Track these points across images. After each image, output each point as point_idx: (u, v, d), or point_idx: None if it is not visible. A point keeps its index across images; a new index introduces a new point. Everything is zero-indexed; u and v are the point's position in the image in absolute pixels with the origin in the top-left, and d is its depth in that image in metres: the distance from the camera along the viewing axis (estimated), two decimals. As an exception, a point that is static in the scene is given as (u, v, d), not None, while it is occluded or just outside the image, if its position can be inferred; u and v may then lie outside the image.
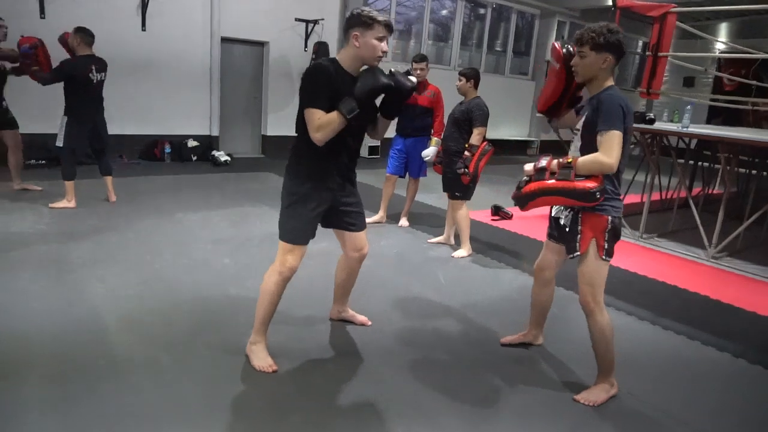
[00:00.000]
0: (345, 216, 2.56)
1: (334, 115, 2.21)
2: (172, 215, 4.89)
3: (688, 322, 3.43)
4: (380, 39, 2.25)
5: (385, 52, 2.28)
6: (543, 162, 2.32)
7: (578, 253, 2.37)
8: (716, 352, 3.07)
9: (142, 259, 3.71)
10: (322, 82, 2.23)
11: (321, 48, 8.54)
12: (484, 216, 5.72)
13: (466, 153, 4.14)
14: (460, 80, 4.31)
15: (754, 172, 6.60)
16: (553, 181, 2.26)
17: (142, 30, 7.27)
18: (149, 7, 7.18)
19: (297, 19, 8.60)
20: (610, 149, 2.17)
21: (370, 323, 3.00)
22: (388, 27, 2.28)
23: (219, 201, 5.60)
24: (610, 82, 2.32)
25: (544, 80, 12.02)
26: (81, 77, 4.65)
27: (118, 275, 3.41)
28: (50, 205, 4.77)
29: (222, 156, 7.87)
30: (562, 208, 2.47)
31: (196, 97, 8.00)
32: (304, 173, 2.39)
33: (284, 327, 2.84)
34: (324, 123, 2.21)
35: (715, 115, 12.61)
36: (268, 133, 8.84)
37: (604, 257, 2.33)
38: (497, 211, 5.87)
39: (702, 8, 6.34)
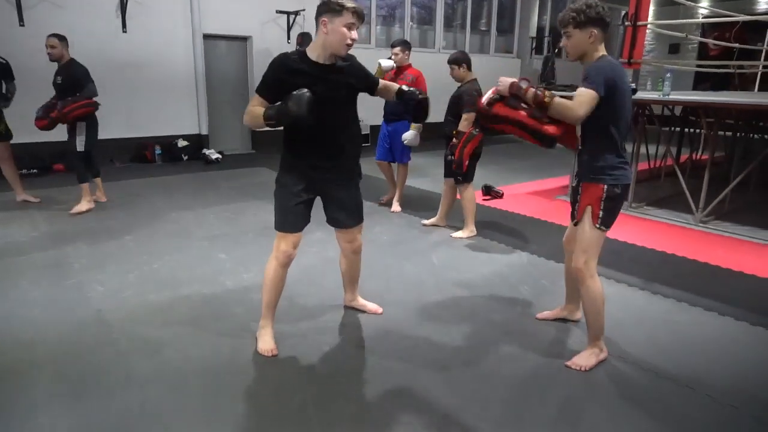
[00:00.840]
0: (332, 211, 2.64)
1: (259, 110, 2.29)
2: (166, 215, 4.94)
3: (677, 286, 3.52)
4: (350, 26, 2.22)
5: (354, 40, 2.25)
6: (522, 86, 2.34)
7: (576, 220, 2.50)
8: (704, 312, 3.16)
9: (139, 260, 3.78)
10: (273, 72, 2.30)
11: (305, 39, 8.50)
12: (475, 195, 5.78)
13: (453, 140, 4.19)
14: (452, 69, 4.32)
15: (739, 134, 6.68)
16: (524, 113, 2.35)
17: (123, 32, 7.25)
18: (128, 8, 7.15)
19: (278, 11, 8.57)
20: (581, 104, 2.24)
21: (380, 311, 3.03)
22: (358, 14, 2.24)
23: (212, 198, 5.65)
24: (601, 53, 2.37)
25: (529, 58, 12.04)
26: (93, 81, 4.77)
27: (117, 276, 3.48)
28: (71, 211, 4.85)
29: (213, 154, 7.90)
30: (577, 180, 2.54)
31: (182, 97, 8.00)
32: (286, 163, 2.50)
33: (294, 313, 2.91)
34: (250, 111, 2.32)
35: (702, 81, 12.64)
36: (258, 129, 8.85)
37: (598, 225, 2.40)
38: (488, 191, 5.93)
39: (679, -25, 6.35)
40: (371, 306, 3.06)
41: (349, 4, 2.23)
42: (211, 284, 3.40)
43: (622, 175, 2.39)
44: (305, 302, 3.13)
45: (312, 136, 2.39)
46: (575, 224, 2.57)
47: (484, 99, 2.45)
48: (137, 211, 5.03)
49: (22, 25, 6.44)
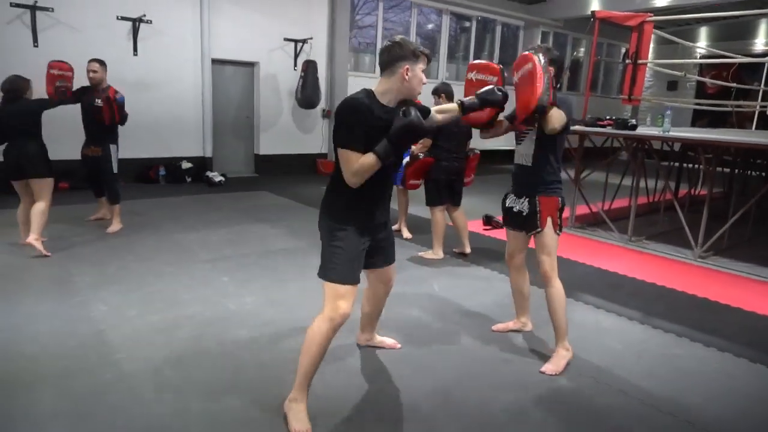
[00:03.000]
0: (379, 251, 2.44)
1: (371, 158, 2.08)
2: (169, 236, 4.98)
3: (676, 320, 3.54)
4: (423, 71, 2.23)
5: (425, 83, 2.28)
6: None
7: (540, 229, 2.80)
8: (704, 348, 3.18)
9: (143, 280, 3.80)
10: (359, 120, 2.10)
11: (310, 66, 8.70)
12: (476, 226, 5.84)
13: (408, 161, 4.60)
14: (434, 99, 4.57)
15: (737, 171, 6.78)
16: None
17: (134, 55, 7.41)
18: (140, 31, 7.33)
19: (286, 39, 8.77)
20: (558, 120, 2.64)
21: (399, 346, 2.98)
22: (430, 58, 2.26)
23: (215, 220, 5.69)
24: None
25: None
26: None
27: (120, 296, 3.50)
28: (107, 230, 5.00)
29: (216, 176, 7.98)
30: (514, 196, 2.94)
31: (188, 119, 8.12)
32: (348, 208, 2.24)
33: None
34: (360, 167, 2.09)
35: (699, 118, 12.86)
36: (261, 152, 8.97)
37: (558, 232, 2.83)
38: (489, 221, 5.99)
39: (676, 16, 6.56)
40: (389, 341, 2.99)
41: (425, 51, 2.23)
42: (214, 306, 3.42)
43: (562, 190, 2.88)
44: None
45: (377, 177, 2.18)
46: (535, 233, 2.83)
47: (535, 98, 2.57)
48: (141, 231, 5.07)
49: (36, 46, 6.58)
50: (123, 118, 4.93)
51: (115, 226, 5.09)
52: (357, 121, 2.10)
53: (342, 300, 2.20)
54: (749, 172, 7.47)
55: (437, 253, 4.69)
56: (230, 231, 5.28)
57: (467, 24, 11.67)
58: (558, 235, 2.84)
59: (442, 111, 2.59)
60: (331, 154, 9.65)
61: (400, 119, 2.08)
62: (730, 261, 4.93)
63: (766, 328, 3.53)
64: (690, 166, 7.24)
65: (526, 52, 2.64)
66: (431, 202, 4.66)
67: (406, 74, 2.16)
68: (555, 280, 2.82)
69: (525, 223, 2.89)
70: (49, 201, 4.33)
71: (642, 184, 5.98)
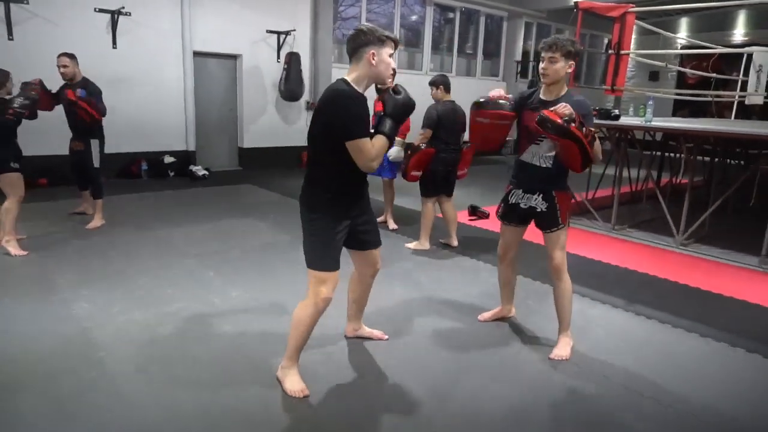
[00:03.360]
0: (361, 235, 2.49)
1: (382, 139, 2.22)
2: (153, 232, 4.92)
3: (660, 307, 3.59)
4: (391, 55, 2.26)
5: (395, 69, 2.35)
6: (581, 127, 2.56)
7: (562, 225, 2.80)
8: (686, 333, 3.23)
9: (126, 277, 3.75)
10: (355, 110, 2.16)
11: (293, 58, 8.63)
12: (461, 216, 5.85)
13: (408, 152, 4.54)
14: (431, 90, 4.60)
15: (717, 160, 6.88)
16: (587, 143, 2.57)
17: (113, 48, 7.26)
18: (119, 24, 7.18)
19: (268, 31, 8.67)
20: (599, 144, 2.67)
21: (386, 337, 2.99)
22: (396, 43, 2.29)
23: (200, 215, 5.64)
24: (566, 86, 2.73)
25: (514, 81, 12.30)
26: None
27: (104, 293, 3.45)
28: (87, 226, 4.92)
29: (200, 170, 7.89)
30: (522, 192, 2.85)
31: (170, 113, 8.01)
32: (328, 198, 2.30)
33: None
34: (379, 151, 2.21)
35: (680, 108, 13.02)
36: (245, 146, 8.88)
37: (569, 225, 2.91)
38: (474, 211, 6.01)
39: (659, 7, 6.61)
40: (377, 333, 3.00)
41: (391, 34, 2.27)
42: (199, 301, 3.39)
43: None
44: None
45: (356, 170, 2.26)
46: (558, 230, 2.81)
47: (560, 119, 2.51)
48: (123, 227, 5.00)
49: (11, 39, 6.42)
50: (98, 109, 4.78)
51: (97, 221, 5.02)
52: (358, 110, 2.17)
53: (323, 285, 2.32)
54: (729, 160, 7.59)
55: (423, 244, 4.70)
56: (215, 225, 5.23)
57: (451, 15, 11.64)
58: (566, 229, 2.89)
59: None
60: (315, 147, 9.57)
61: (394, 98, 2.22)
62: (710, 248, 5.02)
63: (745, 312, 3.60)
64: (671, 155, 7.33)
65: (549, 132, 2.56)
66: (426, 193, 4.66)
67: (372, 59, 2.21)
68: (565, 274, 2.85)
69: (542, 220, 2.84)
70: (18, 197, 4.14)
71: (625, 173, 6.04)
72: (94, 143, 4.93)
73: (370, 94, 2.45)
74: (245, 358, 2.73)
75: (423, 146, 4.48)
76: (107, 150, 5.15)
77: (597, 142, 2.65)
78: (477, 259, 4.49)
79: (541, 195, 2.80)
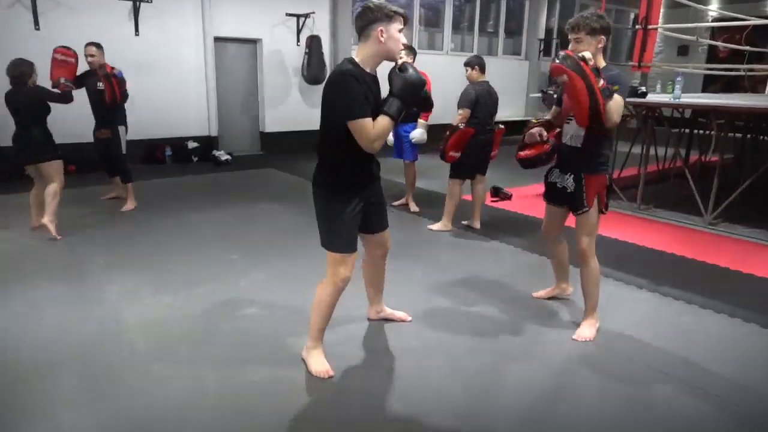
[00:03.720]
0: (371, 216, 2.48)
1: (385, 120, 2.14)
2: (179, 216, 5.01)
3: (687, 288, 3.53)
4: (400, 31, 2.21)
5: (405, 45, 2.27)
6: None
7: (587, 209, 2.71)
8: (714, 314, 3.18)
9: (153, 261, 3.84)
10: (358, 89, 2.11)
11: (314, 42, 8.60)
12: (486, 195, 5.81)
13: (447, 133, 4.41)
14: (466, 70, 4.55)
15: (749, 137, 6.67)
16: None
17: (136, 35, 7.34)
18: (141, 11, 7.25)
19: (288, 14, 8.64)
20: (619, 112, 2.49)
21: (409, 319, 3.00)
22: (406, 18, 2.23)
23: (224, 199, 5.72)
24: (603, 61, 2.61)
25: (537, 60, 12.05)
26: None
27: (133, 277, 3.54)
28: (122, 209, 5.13)
29: (222, 155, 7.97)
30: (559, 172, 2.79)
31: (193, 98, 8.09)
32: (341, 182, 2.30)
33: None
34: (380, 132, 2.15)
35: (711, 83, 12.60)
36: (267, 130, 8.93)
37: (604, 210, 2.77)
38: (497, 192, 5.96)
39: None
40: (399, 314, 3.00)
41: (399, 10, 2.20)
42: (225, 284, 3.46)
43: (610, 167, 2.84)
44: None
45: (367, 153, 2.24)
46: (582, 213, 2.74)
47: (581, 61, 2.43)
48: (149, 212, 5.10)
49: (38, 29, 6.54)
50: (123, 93, 4.91)
51: (130, 204, 5.17)
52: (360, 91, 2.11)
53: (342, 266, 2.34)
54: (761, 137, 7.34)
55: (447, 225, 4.69)
56: (238, 210, 5.30)
57: (472, -7, 11.42)
58: (602, 213, 2.77)
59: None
60: (336, 130, 9.57)
61: (401, 76, 2.14)
62: (740, 227, 4.89)
63: (777, 293, 3.52)
64: (701, 132, 7.13)
65: (556, 62, 2.45)
66: (458, 174, 4.60)
67: (381, 36, 2.16)
68: (591, 259, 2.77)
69: (570, 201, 2.80)
70: (61, 182, 4.39)
71: (652, 152, 5.90)
72: (121, 129, 5.07)
73: (382, 73, 2.39)
74: (270, 338, 2.78)
75: (462, 126, 4.37)
76: (131, 136, 5.27)
77: (616, 100, 2.45)
78: (499, 241, 4.47)
79: (572, 176, 2.75)
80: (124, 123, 5.11)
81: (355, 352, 2.68)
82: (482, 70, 4.52)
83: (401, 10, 2.21)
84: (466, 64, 4.56)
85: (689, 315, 3.18)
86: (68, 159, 6.71)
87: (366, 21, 2.17)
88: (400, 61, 2.24)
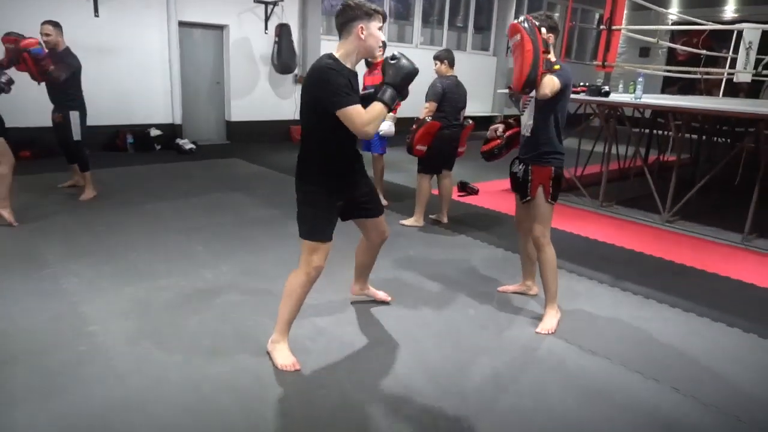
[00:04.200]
0: (363, 204, 2.59)
1: (379, 105, 2.19)
2: (141, 206, 4.87)
3: (645, 283, 3.66)
4: (380, 29, 2.29)
5: (384, 42, 2.32)
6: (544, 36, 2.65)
7: (530, 198, 2.89)
8: (670, 309, 3.30)
9: (114, 251, 3.72)
10: (341, 80, 2.15)
11: (283, 30, 8.46)
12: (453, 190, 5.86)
13: (414, 126, 4.44)
14: (435, 64, 4.54)
15: (704, 138, 6.94)
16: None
17: (95, 16, 7.06)
18: (101, -8, 6.97)
19: (256, 1, 8.47)
20: (547, 84, 2.64)
21: (389, 299, 3.14)
22: (385, 16, 2.32)
23: (188, 189, 5.58)
24: (554, 57, 2.76)
25: (505, 57, 12.19)
26: (80, 70, 4.76)
27: (92, 268, 3.43)
28: (80, 198, 4.93)
29: (186, 144, 7.78)
30: (518, 162, 2.98)
31: (156, 85, 7.85)
32: (320, 172, 2.34)
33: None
34: (373, 116, 2.18)
35: (670, 84, 13.03)
36: (233, 119, 8.76)
37: (549, 201, 2.88)
38: (463, 187, 6.02)
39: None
40: (381, 294, 3.14)
41: (379, 8, 2.30)
42: (189, 276, 3.38)
43: (562, 158, 2.90)
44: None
45: (349, 138, 2.30)
46: (526, 202, 2.93)
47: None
48: (110, 201, 4.94)
49: (-11, 6, 6.21)
50: (47, 74, 4.48)
51: (89, 193, 4.98)
52: (339, 81, 2.15)
53: (315, 255, 2.38)
54: (716, 138, 7.65)
55: (418, 220, 4.70)
56: (203, 200, 5.19)
57: (442, -13, 11.44)
58: (550, 204, 2.89)
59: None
60: (304, 121, 9.46)
61: (396, 65, 2.21)
62: (696, 225, 5.09)
63: (727, 288, 3.68)
64: (660, 132, 7.37)
65: (515, 21, 2.64)
66: (424, 169, 4.62)
67: (361, 33, 2.23)
68: (546, 246, 2.90)
69: (520, 189, 2.98)
70: (10, 163, 4.07)
71: (613, 150, 6.07)
72: (74, 115, 4.81)
73: (360, 69, 2.42)
74: (235, 331, 2.74)
75: (428, 119, 4.40)
76: (90, 122, 5.05)
77: (552, 78, 2.62)
78: (466, 235, 4.52)
79: (524, 166, 2.93)
80: (80, 108, 4.85)
81: (322, 345, 2.67)
82: (451, 64, 4.54)
83: (380, 8, 2.30)
84: (436, 58, 4.55)
85: (647, 310, 3.29)
86: (23, 145, 6.48)
87: (347, 18, 2.23)
88: (380, 56, 2.29)
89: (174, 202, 5.08)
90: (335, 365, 2.52)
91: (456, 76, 4.55)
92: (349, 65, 2.26)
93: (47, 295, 3.03)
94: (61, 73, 4.58)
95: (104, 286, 3.18)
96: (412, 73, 2.25)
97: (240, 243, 4.03)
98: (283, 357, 2.46)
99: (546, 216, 2.89)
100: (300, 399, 2.26)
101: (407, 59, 2.26)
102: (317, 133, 2.30)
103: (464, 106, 4.61)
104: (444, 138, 4.48)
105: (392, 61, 2.25)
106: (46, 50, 4.52)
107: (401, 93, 2.28)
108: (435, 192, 4.84)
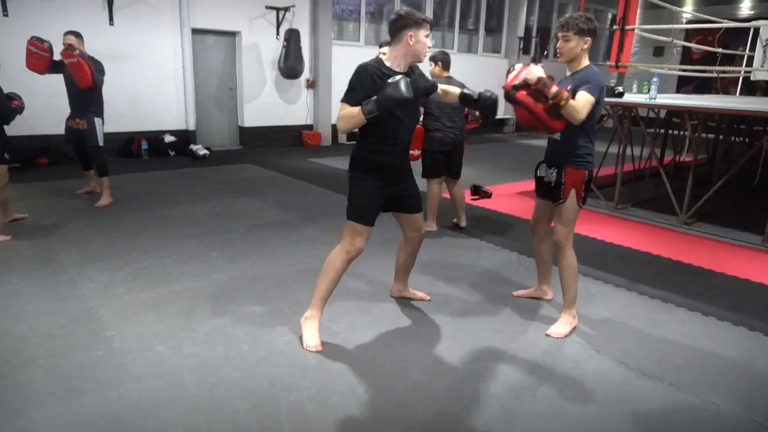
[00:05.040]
0: (404, 198, 2.78)
1: (355, 110, 2.40)
2: (155, 211, 4.91)
3: (662, 286, 3.60)
4: (427, 36, 2.51)
5: (430, 47, 2.54)
6: (548, 84, 2.53)
7: (562, 200, 2.82)
8: (687, 312, 3.25)
9: (129, 256, 3.76)
10: (361, 80, 2.44)
11: (292, 35, 8.51)
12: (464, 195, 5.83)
13: None
14: (430, 65, 4.47)
15: (721, 137, 6.83)
16: (541, 107, 2.59)
17: (110, 24, 7.16)
18: (116, 0, 7.07)
19: (267, 7, 8.53)
20: (585, 107, 2.57)
21: (429, 299, 3.23)
22: (431, 25, 2.54)
23: (202, 195, 5.63)
24: (587, 60, 2.74)
25: (517, 58, 12.13)
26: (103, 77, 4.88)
27: (108, 273, 3.46)
28: (96, 204, 4.98)
29: (200, 150, 7.85)
30: (545, 166, 2.93)
31: (170, 91, 7.93)
32: (368, 160, 2.60)
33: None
34: (344, 115, 2.44)
35: (685, 83, 12.88)
36: (245, 125, 8.82)
37: (579, 204, 2.83)
38: (477, 190, 5.99)
39: (666, -20, 6.49)
40: (420, 294, 3.26)
41: (427, 17, 2.53)
42: (203, 281, 3.40)
43: (593, 161, 2.84)
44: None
45: (393, 133, 2.56)
46: (558, 204, 2.85)
47: (511, 80, 2.64)
48: (125, 207, 4.99)
49: (6, 16, 6.32)
50: (94, 76, 4.70)
51: (105, 199, 5.04)
52: (360, 81, 2.44)
53: (358, 237, 2.61)
54: (733, 138, 7.53)
55: (431, 225, 4.65)
56: (216, 205, 5.23)
57: (452, -10, 11.43)
58: (580, 207, 2.84)
59: (446, 92, 2.87)
60: (316, 125, 9.52)
61: (390, 89, 2.34)
62: (713, 227, 5.01)
63: (748, 291, 3.61)
64: (675, 132, 7.28)
65: (518, 66, 2.68)
66: (427, 173, 4.58)
67: (410, 40, 2.48)
68: (568, 250, 2.86)
69: (551, 193, 2.90)
70: (2, 185, 4.13)
71: (628, 151, 6.00)
72: (98, 121, 4.92)
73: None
74: (248, 335, 2.75)
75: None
76: (106, 129, 5.12)
77: (572, 104, 2.54)
78: (481, 239, 4.49)
79: (555, 170, 2.85)
80: (101, 114, 4.96)
81: (336, 350, 2.66)
82: (444, 66, 4.45)
83: (429, 18, 2.54)
84: (430, 59, 4.45)
85: (664, 313, 3.24)
86: (39, 151, 6.58)
87: (398, 26, 2.49)
88: (397, 77, 2.40)
89: (188, 207, 5.12)
90: (350, 368, 2.51)
91: (450, 77, 4.44)
92: (396, 68, 2.52)
93: (64, 299, 3.07)
94: (101, 79, 4.79)
95: (120, 291, 3.21)
96: (392, 98, 2.31)
97: (253, 248, 4.05)
98: (310, 337, 2.64)
99: (572, 219, 2.84)
100: (313, 402, 2.25)
101: (405, 85, 2.30)
102: (365, 128, 2.50)
103: (464, 109, 4.43)
104: (436, 142, 4.41)
105: (389, 81, 2.35)
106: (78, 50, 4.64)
107: (381, 111, 2.35)
108: (446, 195, 4.81)
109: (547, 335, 2.87)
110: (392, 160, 2.64)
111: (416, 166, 4.83)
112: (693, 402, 2.36)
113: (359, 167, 2.62)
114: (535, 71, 2.57)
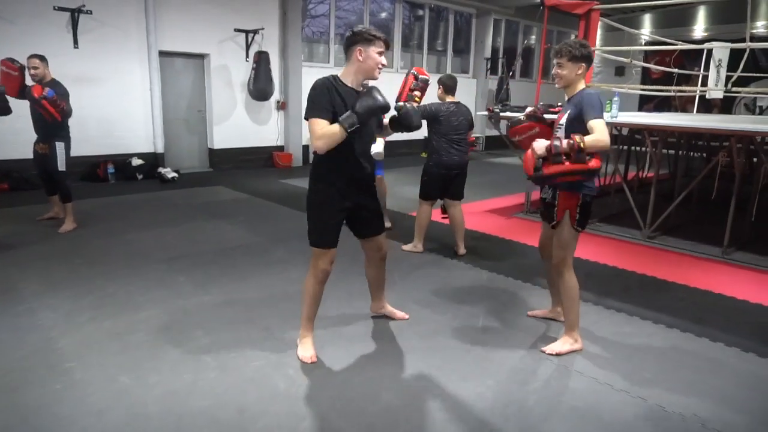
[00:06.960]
0: (361, 220, 2.79)
1: (335, 127, 2.41)
2: (121, 236, 4.81)
3: (628, 300, 3.68)
4: (380, 53, 2.51)
5: (384, 65, 2.54)
6: (557, 144, 2.59)
7: (555, 222, 2.84)
8: (653, 325, 3.32)
9: (93, 284, 3.66)
10: (322, 94, 2.45)
11: (262, 57, 8.54)
12: (434, 214, 5.87)
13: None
14: (438, 89, 4.48)
15: (681, 153, 7.08)
16: (568, 164, 2.60)
17: (75, 47, 7.07)
18: (80, 23, 6.99)
19: (236, 30, 8.55)
20: (603, 132, 2.57)
21: (407, 317, 3.25)
22: (386, 43, 2.55)
23: (170, 219, 5.53)
24: (584, 84, 2.78)
25: (485, 78, 12.39)
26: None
27: (71, 301, 3.36)
28: (59, 230, 4.85)
29: (169, 173, 7.74)
30: (548, 187, 2.91)
31: (137, 114, 7.83)
32: (323, 181, 2.62)
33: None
34: (326, 133, 2.42)
35: (646, 102, 13.33)
36: (216, 146, 8.75)
37: (575, 227, 2.80)
38: (446, 209, 6.02)
39: (622, 5, 6.76)
40: (399, 313, 3.26)
41: (379, 34, 2.52)
42: (170, 308, 3.33)
43: (593, 186, 2.82)
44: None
45: (349, 153, 2.56)
46: (554, 226, 2.86)
47: (530, 165, 2.69)
48: (90, 232, 4.87)
49: (-33, 39, 6.18)
50: (62, 112, 4.64)
51: (68, 225, 4.92)
52: (319, 94, 2.45)
53: (320, 260, 2.66)
54: (692, 153, 7.81)
55: (417, 246, 4.63)
56: (185, 229, 5.14)
57: (420, 12, 11.68)
58: (576, 231, 2.81)
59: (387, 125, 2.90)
60: (287, 146, 9.51)
61: (364, 94, 2.39)
62: (676, 239, 5.16)
63: (709, 302, 3.71)
64: (638, 149, 7.51)
65: (520, 123, 2.89)
66: (421, 194, 4.55)
67: (359, 55, 2.50)
68: (566, 273, 2.85)
69: (548, 214, 2.93)
70: None
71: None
72: (59, 145, 4.82)
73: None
74: (217, 362, 2.69)
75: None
76: (73, 153, 5.02)
77: (592, 138, 2.54)
78: (452, 258, 4.51)
79: (552, 189, 2.88)
80: (66, 139, 4.85)
81: (336, 357, 2.63)
82: (446, 90, 4.42)
83: (381, 35, 2.52)
84: (438, 82, 4.45)
85: (630, 326, 3.30)
86: (0, 177, 6.39)
87: (349, 43, 2.53)
88: (369, 83, 2.51)
89: (155, 231, 5.02)
90: (320, 392, 2.48)
91: (457, 103, 4.42)
92: (349, 84, 2.54)
93: (23, 330, 2.96)
94: (69, 107, 4.70)
95: (82, 320, 3.12)
96: (372, 107, 2.41)
97: (222, 271, 3.99)
98: (304, 349, 2.73)
99: (568, 243, 2.82)
100: (283, 429, 2.21)
101: (378, 94, 2.42)
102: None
103: (462, 130, 4.44)
104: (438, 164, 4.40)
105: (363, 92, 2.42)
106: (47, 88, 4.54)
107: (362, 122, 2.41)
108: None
109: (542, 351, 2.88)
110: (352, 175, 2.63)
111: (415, 183, 4.87)
112: (661, 414, 2.40)
113: (315, 186, 2.64)
114: (540, 144, 2.63)
